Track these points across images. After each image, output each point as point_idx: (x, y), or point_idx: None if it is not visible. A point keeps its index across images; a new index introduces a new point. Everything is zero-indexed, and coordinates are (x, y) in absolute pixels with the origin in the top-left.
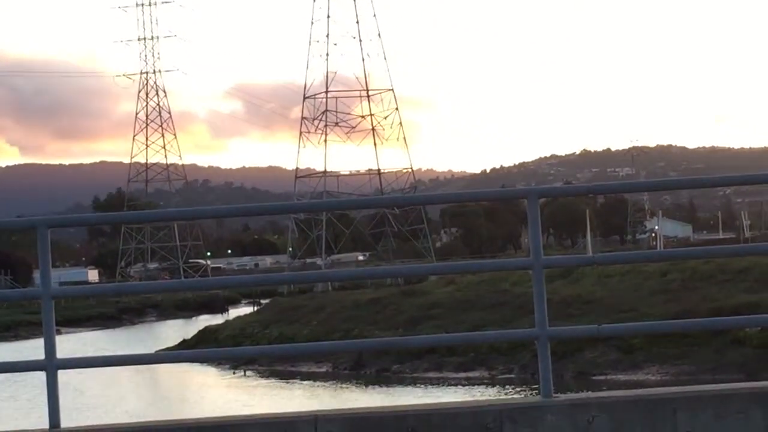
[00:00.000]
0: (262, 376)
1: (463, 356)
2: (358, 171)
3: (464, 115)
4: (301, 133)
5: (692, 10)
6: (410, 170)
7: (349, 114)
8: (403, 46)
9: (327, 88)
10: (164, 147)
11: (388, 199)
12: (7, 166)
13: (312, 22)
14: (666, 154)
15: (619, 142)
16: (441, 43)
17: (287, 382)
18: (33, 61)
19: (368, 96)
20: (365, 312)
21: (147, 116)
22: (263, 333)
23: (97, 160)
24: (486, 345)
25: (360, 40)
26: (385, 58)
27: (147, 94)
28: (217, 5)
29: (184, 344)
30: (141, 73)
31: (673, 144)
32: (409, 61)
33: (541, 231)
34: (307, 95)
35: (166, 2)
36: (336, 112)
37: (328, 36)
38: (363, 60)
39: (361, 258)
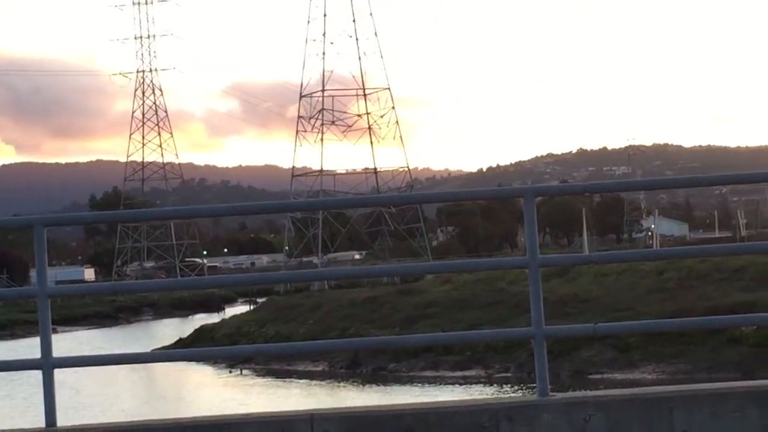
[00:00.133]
0: (258, 375)
1: (460, 355)
2: (355, 170)
3: (461, 114)
4: (297, 131)
5: (689, 9)
6: (407, 169)
7: (345, 113)
8: (400, 45)
9: (323, 86)
10: (161, 146)
11: (384, 197)
12: (3, 165)
13: (308, 21)
14: (662, 152)
15: (616, 140)
16: (438, 42)
17: (284, 381)
18: (29, 59)
19: (365, 95)
20: (361, 311)
21: (143, 115)
22: (259, 332)
23: (94, 159)
24: (482, 344)
25: (356, 39)
26: (381, 57)
27: (143, 93)
28: (213, 4)
29: (181, 343)
30: (137, 71)
31: (670, 143)
32: (405, 60)
33: (537, 230)
34: (303, 94)
35: (163, 1)
36: (332, 110)
37: (324, 35)
38: (359, 59)
39: (357, 257)
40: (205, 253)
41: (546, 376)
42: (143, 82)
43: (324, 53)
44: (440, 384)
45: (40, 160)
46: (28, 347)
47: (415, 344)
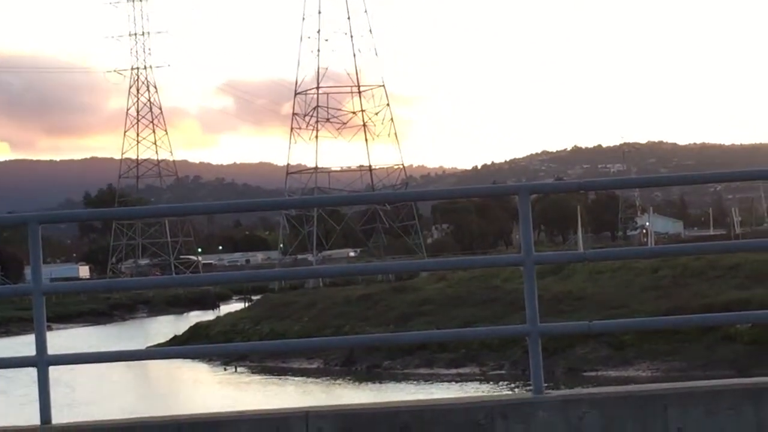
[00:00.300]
0: (253, 372)
1: (455, 352)
2: (349, 167)
3: (455, 111)
4: (292, 129)
5: (684, 7)
6: (401, 166)
7: (340, 110)
8: (395, 42)
9: (318, 84)
10: (155, 143)
11: (379, 195)
12: None
13: (303, 18)
14: (657, 150)
15: (610, 138)
16: (432, 39)
17: (279, 379)
18: (23, 57)
19: (359, 92)
20: (356, 308)
21: (138, 112)
22: (254, 329)
23: (88, 156)
24: (477, 341)
25: (351, 36)
26: (376, 54)
27: (138, 90)
28: (207, 1)
29: (176, 340)
30: (132, 68)
31: (664, 140)
32: (400, 57)
33: (532, 227)
34: (298, 91)
35: None
36: (327, 108)
37: (319, 32)
38: (354, 56)
39: (352, 254)
40: (199, 250)
41: (541, 374)
42: (138, 79)
43: (319, 50)
44: (435, 381)
45: (35, 158)
46: (23, 344)
47: (409, 342)
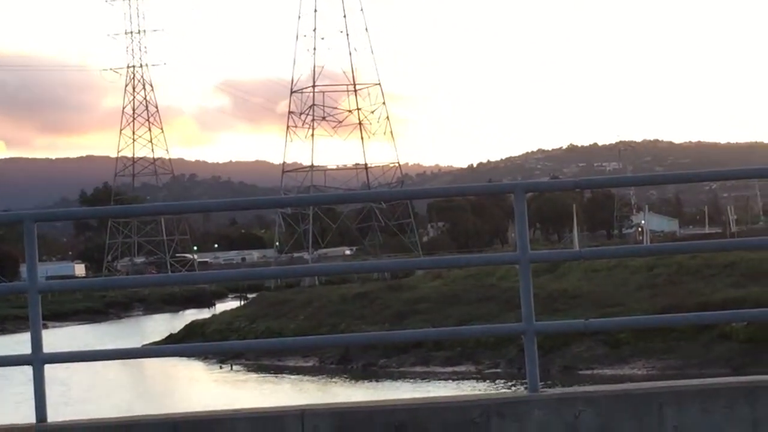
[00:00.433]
0: (249, 371)
1: (450, 351)
2: (345, 165)
3: (451, 110)
4: (288, 127)
5: (680, 6)
6: (397, 165)
7: (336, 108)
8: (391, 40)
9: (314, 82)
10: (151, 141)
11: (374, 193)
12: None
13: (299, 17)
14: (653, 148)
15: (606, 136)
16: (428, 37)
17: (274, 377)
18: (19, 55)
19: (355, 90)
20: (352, 306)
21: (134, 110)
22: (250, 327)
23: (84, 155)
24: (473, 339)
25: (347, 35)
26: (372, 53)
27: (134, 88)
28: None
29: (171, 338)
30: (128, 67)
31: (660, 139)
32: (396, 55)
33: (527, 226)
34: (294, 89)
35: None
36: (323, 106)
37: (315, 30)
38: (350, 54)
39: (348, 252)
40: (195, 248)
41: (536, 372)
42: (134, 78)
43: (315, 49)
44: (431, 380)
45: (30, 156)
46: (19, 343)
47: (405, 340)
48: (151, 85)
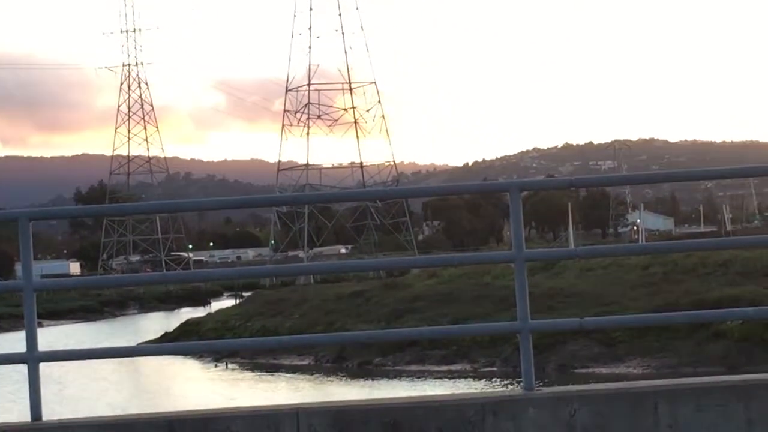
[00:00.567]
0: (244, 369)
1: (446, 349)
2: (341, 164)
3: (446, 109)
4: (283, 125)
5: (676, 5)
6: (392, 163)
7: (331, 107)
8: (386, 39)
9: (309, 81)
10: (146, 139)
11: (370, 192)
12: None
13: (294, 15)
14: (648, 147)
15: (601, 135)
16: (424, 36)
17: (270, 375)
18: (14, 53)
19: (351, 89)
20: (347, 305)
21: (129, 109)
22: (245, 326)
23: (79, 153)
24: (468, 338)
25: (342, 33)
26: (367, 52)
27: (129, 87)
28: None
29: (167, 337)
30: (123, 65)
31: (656, 137)
32: (391, 54)
33: (523, 224)
34: (289, 88)
35: None
36: (318, 104)
37: (310, 29)
38: (345, 53)
39: (343, 251)
40: (190, 247)
41: (531, 371)
42: (129, 76)
43: (310, 47)
44: (426, 378)
45: (26, 154)
46: (14, 341)
47: (401, 338)
48: (146, 84)
